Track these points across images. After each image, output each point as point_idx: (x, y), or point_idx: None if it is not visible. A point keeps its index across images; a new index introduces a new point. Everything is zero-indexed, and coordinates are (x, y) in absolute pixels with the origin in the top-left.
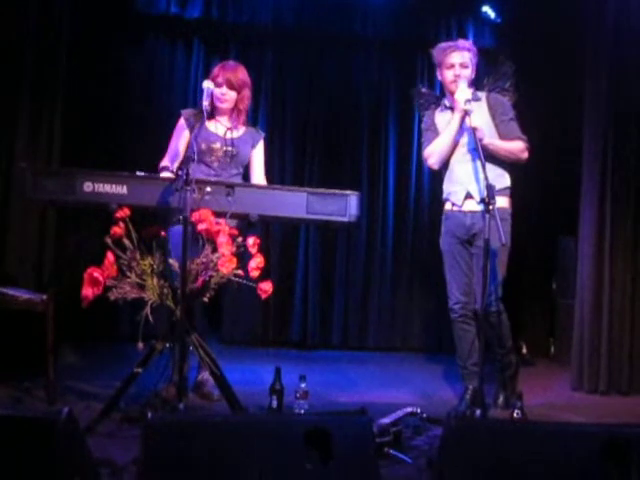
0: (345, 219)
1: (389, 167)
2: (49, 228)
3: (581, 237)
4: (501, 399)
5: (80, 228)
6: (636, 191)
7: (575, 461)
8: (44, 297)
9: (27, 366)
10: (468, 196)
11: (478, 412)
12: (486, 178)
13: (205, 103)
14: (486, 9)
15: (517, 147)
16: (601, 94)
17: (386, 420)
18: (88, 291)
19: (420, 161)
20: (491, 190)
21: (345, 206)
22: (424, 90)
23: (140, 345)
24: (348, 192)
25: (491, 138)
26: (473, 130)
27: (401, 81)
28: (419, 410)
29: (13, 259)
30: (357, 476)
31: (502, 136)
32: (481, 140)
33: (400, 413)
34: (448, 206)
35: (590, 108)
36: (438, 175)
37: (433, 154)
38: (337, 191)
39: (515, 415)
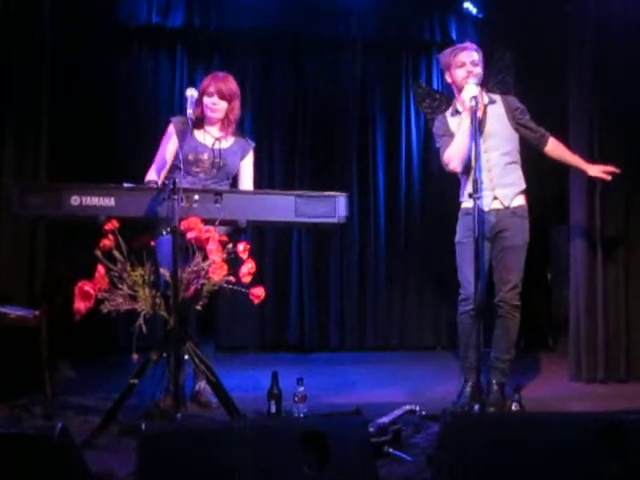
0: (334, 220)
1: (378, 167)
2: (39, 244)
3: (572, 226)
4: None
5: (70, 242)
6: (624, 178)
7: (573, 450)
8: (36, 313)
9: (24, 383)
10: (494, 199)
11: (477, 407)
12: (477, 170)
13: (189, 111)
14: (467, 5)
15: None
16: (585, 83)
17: (385, 419)
18: (80, 305)
19: (409, 159)
20: (477, 184)
21: (334, 207)
22: (424, 85)
23: (135, 356)
24: (336, 193)
25: (508, 141)
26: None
27: (387, 80)
28: (418, 408)
29: (4, 276)
30: (355, 477)
31: (527, 136)
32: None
33: (399, 412)
34: (469, 204)
35: (575, 99)
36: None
37: (453, 159)
38: (325, 193)
39: (513, 407)
